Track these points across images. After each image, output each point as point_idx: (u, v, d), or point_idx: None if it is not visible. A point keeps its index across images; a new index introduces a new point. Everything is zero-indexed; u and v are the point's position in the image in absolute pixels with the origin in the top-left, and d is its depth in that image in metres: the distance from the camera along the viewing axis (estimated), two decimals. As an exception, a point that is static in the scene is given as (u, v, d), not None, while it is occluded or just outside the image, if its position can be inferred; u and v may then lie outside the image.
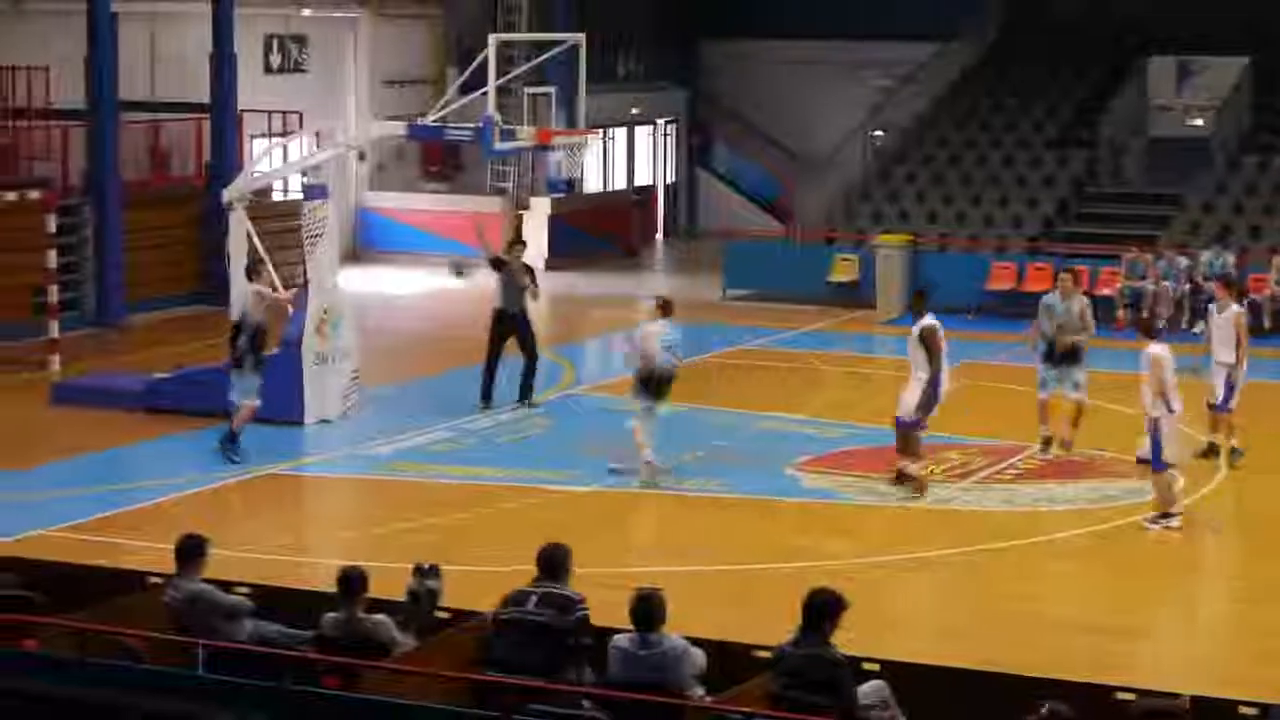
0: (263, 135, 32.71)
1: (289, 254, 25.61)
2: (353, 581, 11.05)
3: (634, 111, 41.72)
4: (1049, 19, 38.86)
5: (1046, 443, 20.32)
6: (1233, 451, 19.90)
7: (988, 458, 20.33)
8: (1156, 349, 17.74)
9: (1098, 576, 16.68)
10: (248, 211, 22.36)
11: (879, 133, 37.96)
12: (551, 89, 27.10)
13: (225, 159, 30.42)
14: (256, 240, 22.11)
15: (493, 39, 23.75)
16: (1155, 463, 17.64)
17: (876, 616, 14.32)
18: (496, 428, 21.90)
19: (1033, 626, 14.99)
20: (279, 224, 27.02)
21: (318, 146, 27.66)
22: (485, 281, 23.83)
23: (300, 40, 36.08)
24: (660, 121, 43.21)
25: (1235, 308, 20.09)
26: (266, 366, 20.32)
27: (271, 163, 25.89)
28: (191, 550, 11.55)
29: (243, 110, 31.74)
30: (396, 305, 31.99)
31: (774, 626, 10.87)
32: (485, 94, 23.03)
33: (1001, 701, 10.14)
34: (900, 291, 29.81)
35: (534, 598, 10.80)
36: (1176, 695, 10.19)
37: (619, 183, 42.04)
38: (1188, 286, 29.44)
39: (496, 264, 22.68)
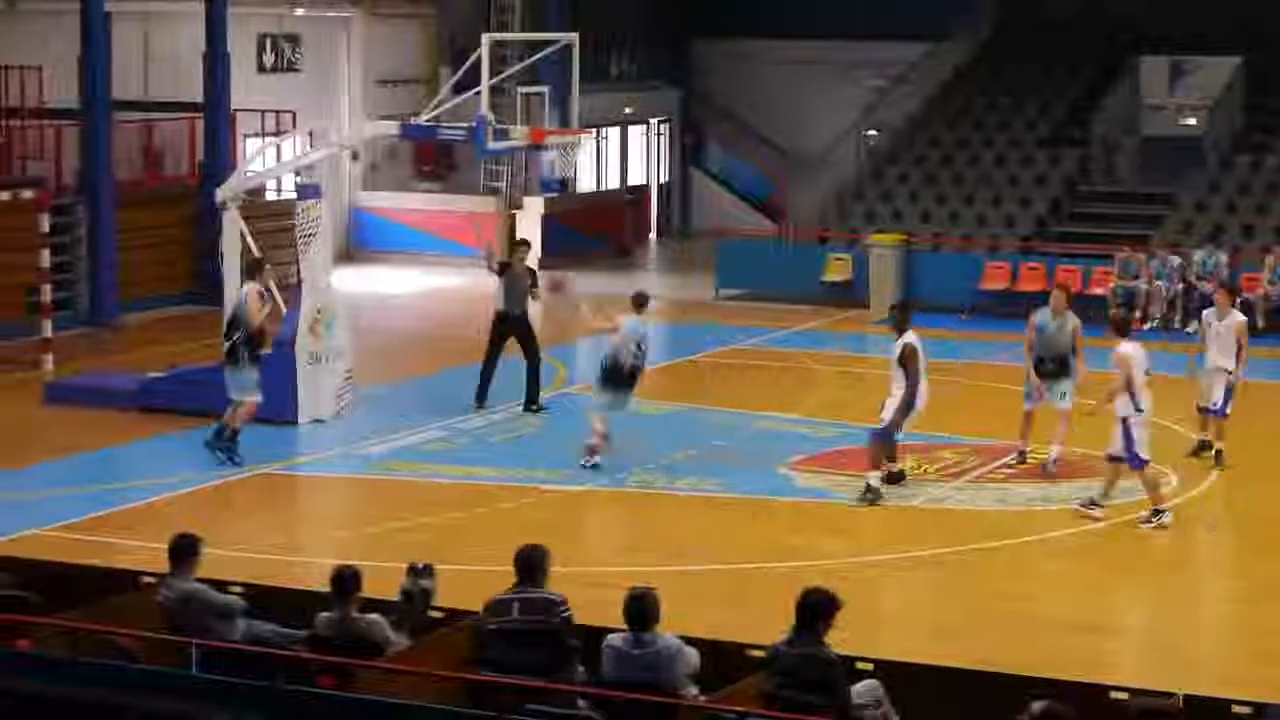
0: (256, 135, 32.69)
1: (282, 254, 25.60)
2: (346, 581, 11.04)
3: (627, 111, 41.67)
4: (1042, 18, 38.83)
5: (1021, 456, 19.99)
6: (1217, 454, 19.89)
7: (981, 457, 20.33)
8: (1126, 347, 17.67)
9: (1091, 576, 16.67)
10: (241, 211, 22.38)
11: (872, 132, 37.95)
12: (545, 88, 27.11)
13: (219, 158, 30.38)
14: (250, 240, 22.11)
15: (486, 38, 23.70)
16: (1133, 461, 17.59)
17: (870, 616, 14.35)
18: (490, 427, 21.90)
19: (1026, 625, 14.98)
20: (272, 224, 27.03)
21: (311, 146, 27.64)
22: (483, 282, 23.78)
23: (293, 40, 36.05)
24: (653, 121, 43.16)
25: (1238, 315, 20.07)
26: (263, 363, 20.28)
27: (265, 162, 25.91)
28: (185, 550, 11.56)
29: (236, 110, 31.72)
30: (390, 305, 31.95)
31: (768, 626, 10.85)
32: (478, 93, 22.99)
33: (995, 701, 10.13)
34: (893, 291, 29.82)
35: (515, 605, 10.77)
36: (1169, 694, 10.20)
37: (612, 182, 41.97)
38: (1180, 286, 29.51)
39: (500, 268, 22.72)
